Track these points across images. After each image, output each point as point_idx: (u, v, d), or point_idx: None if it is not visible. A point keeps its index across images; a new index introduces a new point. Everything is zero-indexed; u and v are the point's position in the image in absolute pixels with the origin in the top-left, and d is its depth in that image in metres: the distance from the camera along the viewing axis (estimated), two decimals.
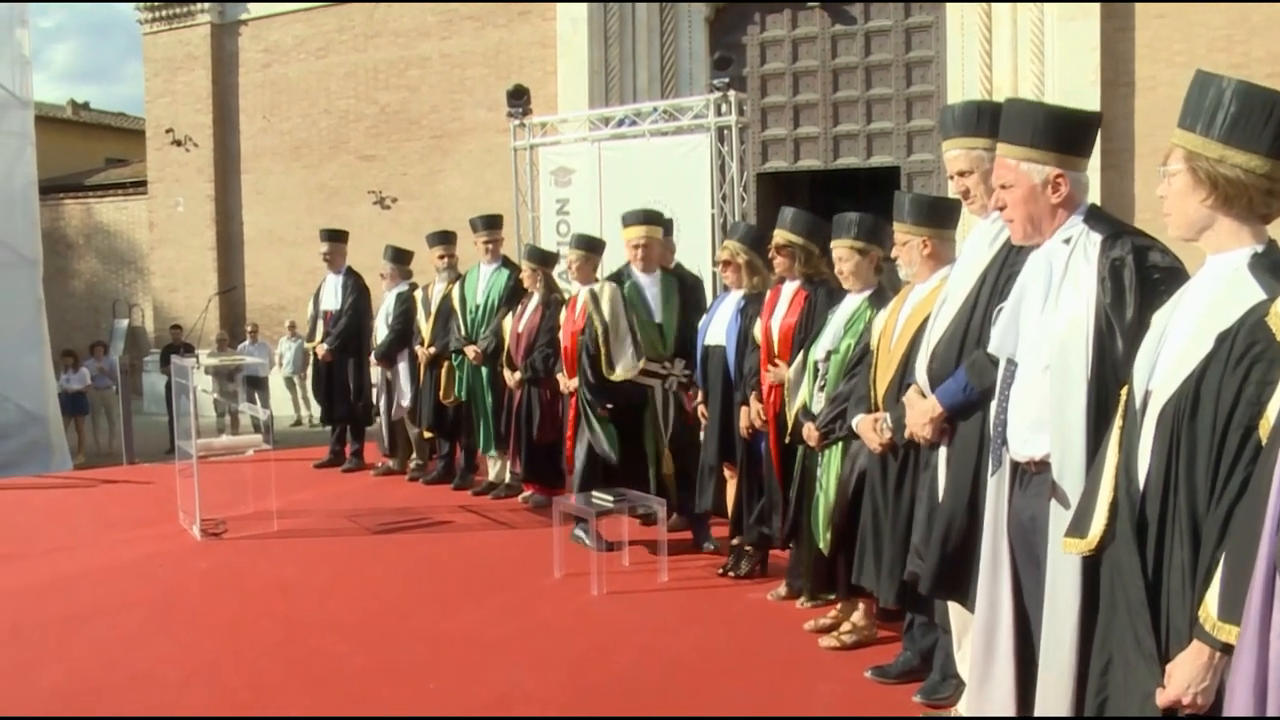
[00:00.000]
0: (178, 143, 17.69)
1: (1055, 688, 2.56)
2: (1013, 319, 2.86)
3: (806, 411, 4.58)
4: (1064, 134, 2.83)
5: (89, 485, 9.11)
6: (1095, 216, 2.81)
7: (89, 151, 25.88)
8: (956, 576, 3.34)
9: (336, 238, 9.08)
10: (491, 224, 7.94)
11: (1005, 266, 3.31)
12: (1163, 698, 1.99)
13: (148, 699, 4.11)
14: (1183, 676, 1.95)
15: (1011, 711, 2.95)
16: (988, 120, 3.38)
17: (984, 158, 3.40)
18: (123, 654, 4.61)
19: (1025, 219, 2.83)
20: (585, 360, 6.05)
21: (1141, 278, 2.56)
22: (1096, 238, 2.70)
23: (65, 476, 10.18)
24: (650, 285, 6.14)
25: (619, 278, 6.19)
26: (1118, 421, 2.24)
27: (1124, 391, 2.27)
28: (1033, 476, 2.81)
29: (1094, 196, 2.96)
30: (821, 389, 4.53)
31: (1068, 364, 2.60)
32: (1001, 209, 2.89)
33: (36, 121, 13.06)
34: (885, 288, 4.58)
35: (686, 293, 6.25)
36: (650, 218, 6.25)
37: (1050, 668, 2.59)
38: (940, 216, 3.95)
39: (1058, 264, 2.76)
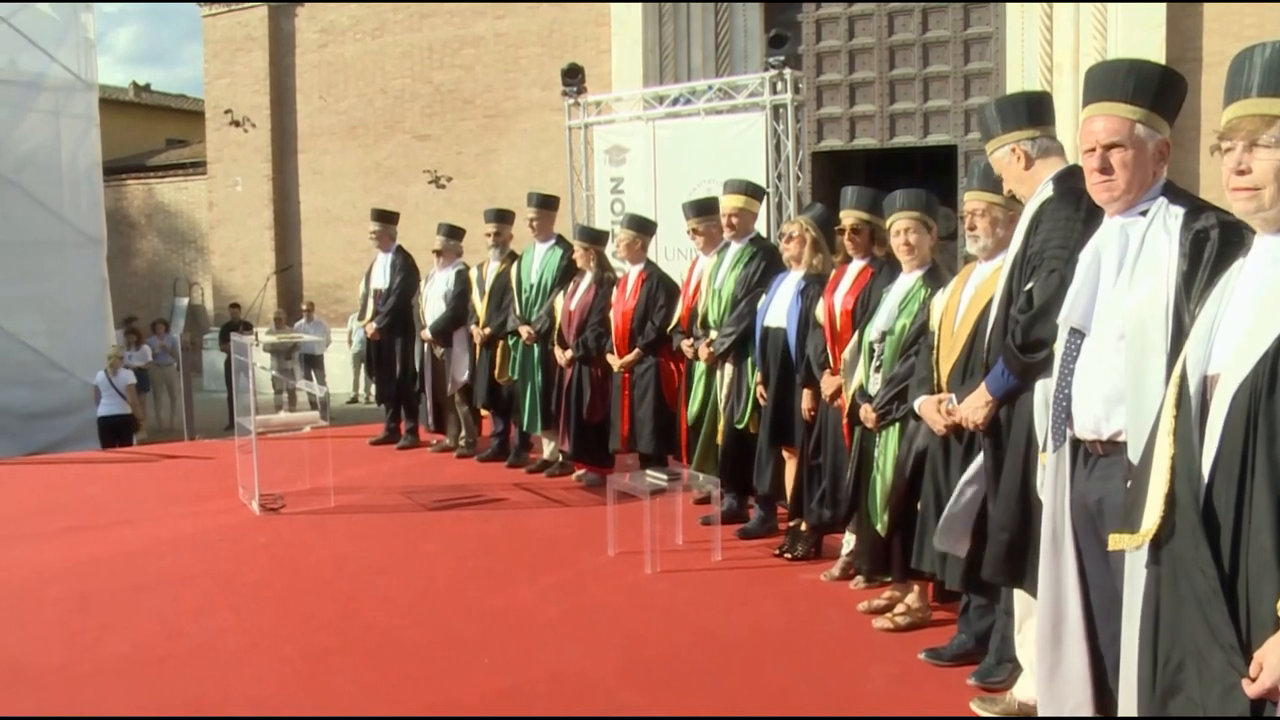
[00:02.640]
0: (236, 123, 17.92)
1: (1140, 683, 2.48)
2: (1085, 288, 2.78)
3: (863, 393, 4.54)
4: (1176, 101, 2.78)
5: (151, 460, 9.29)
6: (1174, 191, 2.75)
7: (150, 133, 26.34)
8: (1015, 561, 3.32)
9: (386, 218, 9.13)
10: (544, 203, 7.93)
11: (1027, 249, 3.33)
12: (1254, 688, 1.90)
13: (209, 670, 4.18)
14: (1277, 662, 1.87)
15: (1089, 699, 2.89)
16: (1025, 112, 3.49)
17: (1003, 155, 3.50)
18: (185, 625, 4.71)
19: (1129, 183, 2.73)
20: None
21: (1223, 254, 2.49)
22: (1178, 210, 2.64)
23: (128, 451, 10.40)
24: (730, 253, 6.13)
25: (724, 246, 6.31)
26: (1170, 411, 2.16)
27: (1175, 380, 2.20)
28: (1099, 459, 2.75)
29: None
30: (877, 370, 4.49)
31: (1145, 339, 2.52)
32: (1103, 170, 2.75)
33: (100, 104, 13.33)
34: (940, 266, 4.53)
35: (759, 264, 6.12)
36: (750, 189, 6.28)
37: (1131, 661, 2.51)
38: None
39: (1134, 236, 2.69)
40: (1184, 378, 2.16)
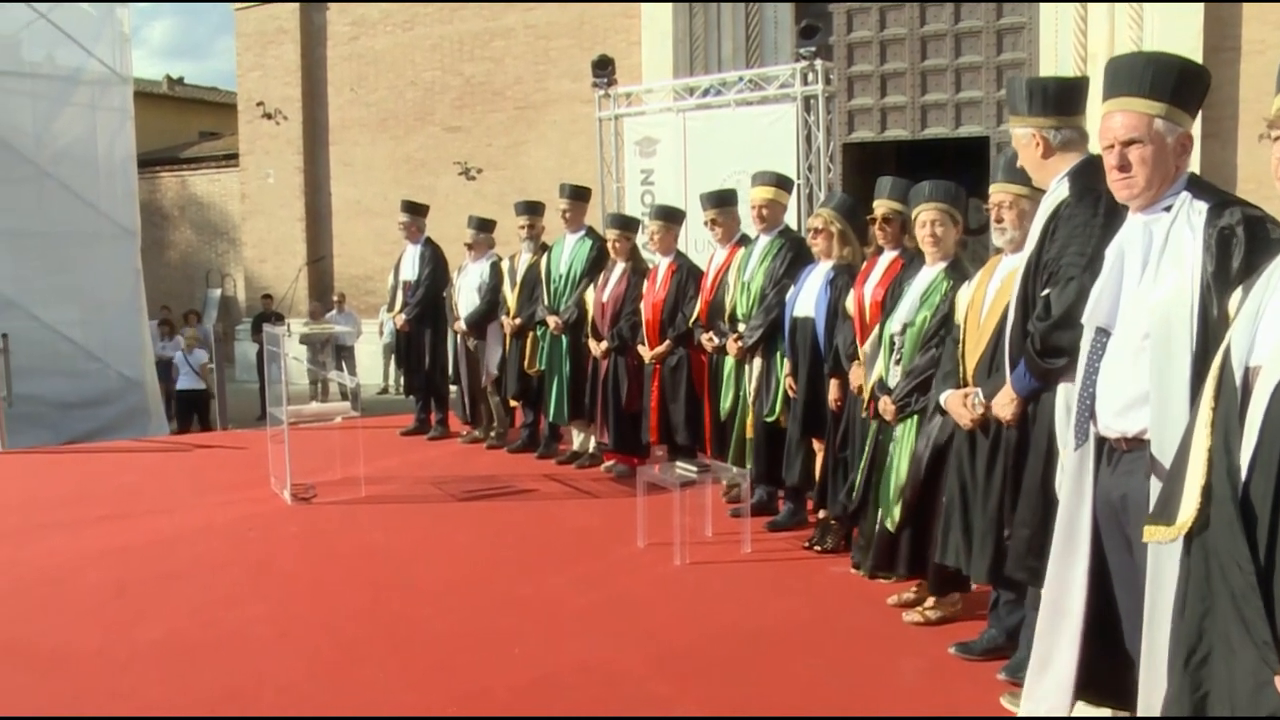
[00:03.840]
0: (268, 116, 18.04)
1: (1161, 681, 2.45)
2: (1109, 286, 2.77)
3: (882, 385, 4.53)
4: (1198, 93, 2.74)
5: (185, 450, 9.38)
6: (1198, 185, 2.72)
7: (183, 125, 26.55)
8: (1036, 557, 3.32)
9: (416, 210, 9.16)
10: (576, 194, 7.92)
11: (1042, 252, 3.31)
12: None
13: (241, 657, 4.23)
14: None
15: (1067, 705, 2.88)
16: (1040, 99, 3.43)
17: (1023, 135, 3.47)
18: (218, 613, 4.75)
19: (1149, 180, 2.70)
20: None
21: (1250, 249, 2.46)
22: (1202, 206, 2.61)
23: (162, 441, 10.51)
24: (759, 246, 6.11)
25: (744, 240, 6.29)
26: (1209, 402, 2.14)
27: (1215, 371, 2.17)
28: (1123, 455, 2.73)
29: (1194, 166, 2.86)
30: (897, 362, 4.47)
31: (1170, 336, 2.50)
32: (1121, 168, 2.74)
33: (135, 97, 13.43)
34: (962, 259, 4.50)
35: (787, 257, 6.05)
36: (779, 181, 6.27)
37: (1153, 659, 2.48)
38: None
39: (1158, 233, 2.67)
40: (1224, 369, 2.13)
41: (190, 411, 13.31)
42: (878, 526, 4.56)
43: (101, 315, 12.35)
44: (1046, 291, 3.25)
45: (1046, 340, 3.20)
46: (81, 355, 12.16)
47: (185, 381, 13.44)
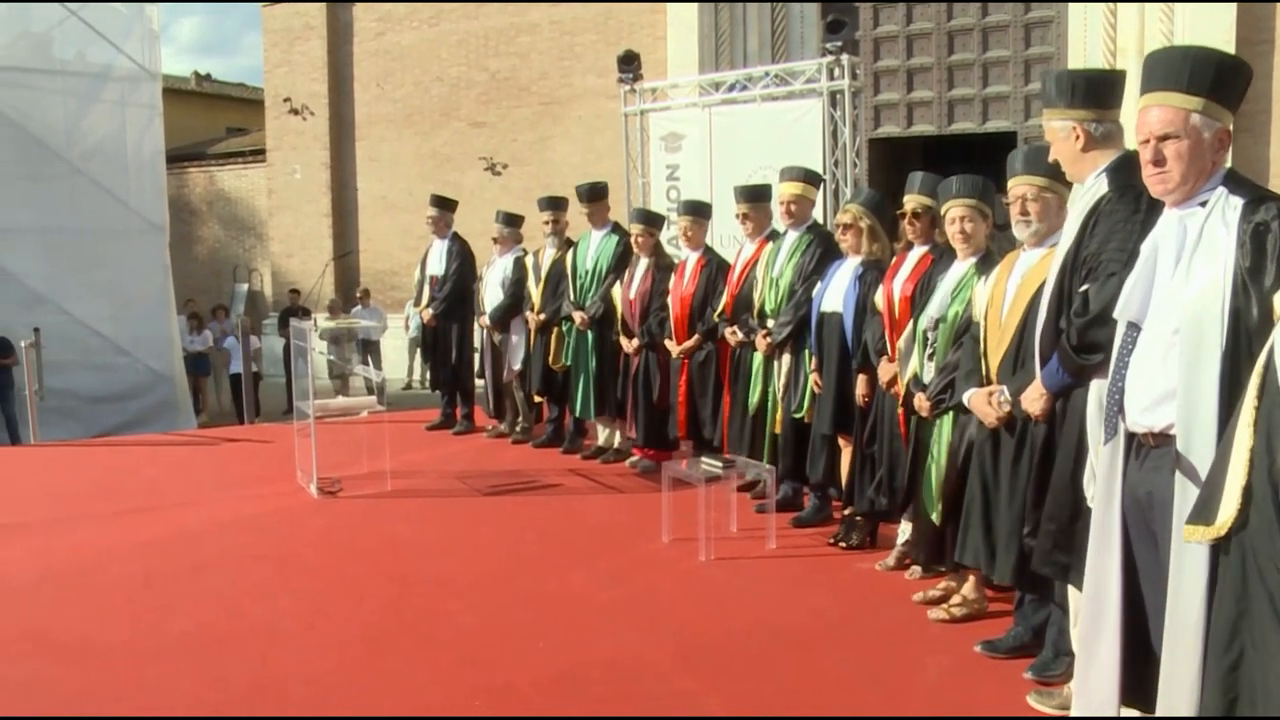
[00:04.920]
0: (295, 112, 18.12)
1: (1181, 681, 2.43)
2: (1141, 282, 2.74)
3: (917, 381, 4.51)
4: (1238, 88, 2.71)
5: (212, 443, 9.44)
6: (1234, 180, 2.69)
7: (211, 121, 26.72)
8: (1063, 553, 3.30)
9: (445, 205, 9.18)
10: (592, 195, 7.89)
11: (1081, 248, 3.26)
12: None
13: (268, 650, 4.25)
14: None
15: (1114, 699, 2.85)
16: (1081, 90, 3.36)
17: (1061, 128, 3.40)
18: (245, 605, 4.78)
19: (1185, 175, 2.67)
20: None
21: None
22: (1237, 201, 2.58)
23: (189, 434, 10.60)
24: (788, 241, 6.09)
25: (773, 235, 6.29)
26: (1251, 402, 2.12)
27: (1259, 370, 2.14)
28: (1150, 450, 2.71)
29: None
30: (931, 358, 4.45)
31: (1201, 332, 2.48)
32: (1157, 163, 2.71)
33: (163, 93, 13.55)
34: (994, 254, 4.47)
35: (816, 252, 6.00)
36: (807, 176, 6.22)
37: (1175, 659, 2.46)
38: None
39: (1192, 228, 2.64)
40: (1268, 368, 2.10)
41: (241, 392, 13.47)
42: (926, 522, 4.54)
43: (131, 310, 12.49)
44: (1085, 287, 3.21)
45: (1084, 336, 3.17)
46: (111, 350, 12.30)
47: (239, 365, 13.69)
